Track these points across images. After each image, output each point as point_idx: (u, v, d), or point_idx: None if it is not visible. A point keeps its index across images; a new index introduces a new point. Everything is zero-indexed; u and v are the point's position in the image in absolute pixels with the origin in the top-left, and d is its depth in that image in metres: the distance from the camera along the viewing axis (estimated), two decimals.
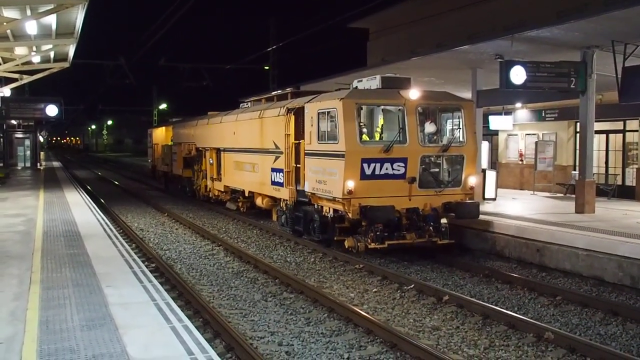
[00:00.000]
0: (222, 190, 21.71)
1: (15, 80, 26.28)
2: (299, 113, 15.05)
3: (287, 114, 15.40)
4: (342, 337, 8.34)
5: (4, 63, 23.02)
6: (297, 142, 15.04)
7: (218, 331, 8.29)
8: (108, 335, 6.13)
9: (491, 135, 25.13)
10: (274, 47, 38.59)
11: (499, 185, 20.01)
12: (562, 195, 21.20)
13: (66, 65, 24.42)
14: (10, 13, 16.15)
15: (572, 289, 10.99)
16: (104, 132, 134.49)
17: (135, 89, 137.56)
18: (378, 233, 12.71)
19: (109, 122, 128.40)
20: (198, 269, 12.72)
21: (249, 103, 20.86)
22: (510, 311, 9.37)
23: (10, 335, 6.12)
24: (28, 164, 44.70)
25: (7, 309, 7.05)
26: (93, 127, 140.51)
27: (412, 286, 10.97)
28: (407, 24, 31.15)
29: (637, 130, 20.10)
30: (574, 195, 17.34)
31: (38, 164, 46.02)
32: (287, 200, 15.73)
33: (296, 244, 15.41)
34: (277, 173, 16.14)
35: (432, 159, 13.44)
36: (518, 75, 14.76)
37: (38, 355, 5.57)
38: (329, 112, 13.37)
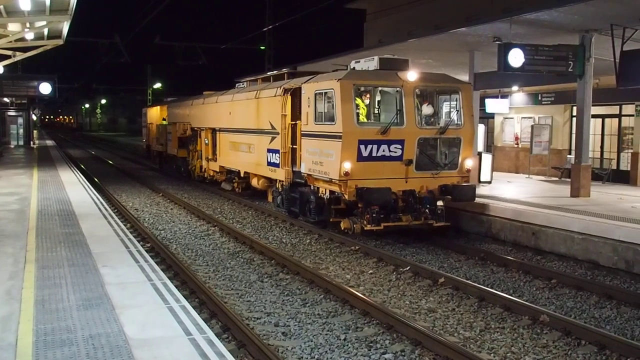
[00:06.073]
0: (218, 170, 21.63)
1: (8, 57, 25.94)
2: (295, 94, 14.95)
3: (283, 95, 15.29)
4: (339, 319, 8.36)
5: None
6: (294, 122, 14.95)
7: (214, 311, 8.29)
8: (105, 315, 6.10)
9: (487, 118, 25.07)
10: (270, 27, 38.29)
11: (494, 168, 20.03)
12: (557, 179, 21.24)
13: (60, 42, 24.13)
14: None
15: (567, 273, 11.06)
16: (98, 111, 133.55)
17: (129, 68, 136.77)
18: (374, 215, 12.70)
19: (103, 101, 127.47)
20: (193, 249, 12.71)
21: (245, 83, 20.68)
22: (506, 294, 9.41)
23: (6, 315, 6.09)
24: (21, 143, 44.39)
25: (3, 288, 7.01)
26: (87, 105, 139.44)
27: (407, 268, 11.00)
28: (404, 5, 30.83)
29: (632, 115, 20.10)
30: (569, 179, 17.37)
31: (31, 143, 45.71)
32: (283, 181, 15.69)
33: (292, 225, 15.40)
34: (273, 154, 16.07)
35: (429, 141, 13.39)
36: (516, 58, 14.67)
37: (34, 334, 5.54)
38: (326, 93, 13.28)
